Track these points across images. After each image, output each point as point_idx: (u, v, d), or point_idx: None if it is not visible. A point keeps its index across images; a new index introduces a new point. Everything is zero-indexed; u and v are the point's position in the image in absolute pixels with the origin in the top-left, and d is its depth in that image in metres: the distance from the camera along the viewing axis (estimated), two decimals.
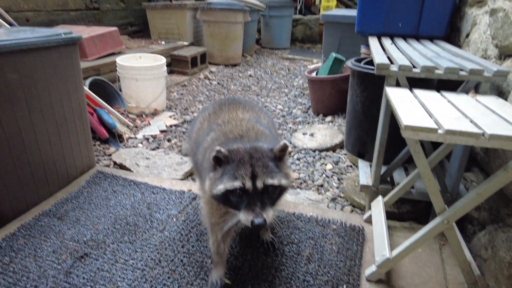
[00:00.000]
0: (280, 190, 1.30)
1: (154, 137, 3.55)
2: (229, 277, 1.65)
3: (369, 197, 2.16)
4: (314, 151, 3.27)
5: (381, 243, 1.70)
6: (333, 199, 2.59)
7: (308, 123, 3.91)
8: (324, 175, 2.91)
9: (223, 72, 5.97)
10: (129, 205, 2.18)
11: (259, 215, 1.20)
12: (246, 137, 1.42)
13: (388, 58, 1.95)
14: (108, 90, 4.03)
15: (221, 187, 1.26)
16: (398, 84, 1.84)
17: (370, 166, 2.32)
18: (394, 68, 1.78)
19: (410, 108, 1.42)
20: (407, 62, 1.80)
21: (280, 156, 1.33)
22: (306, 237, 1.90)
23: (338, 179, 2.85)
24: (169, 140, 3.50)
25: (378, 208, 1.97)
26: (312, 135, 3.51)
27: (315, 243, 1.86)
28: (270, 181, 1.24)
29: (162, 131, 3.68)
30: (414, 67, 1.77)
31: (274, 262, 1.74)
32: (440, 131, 1.20)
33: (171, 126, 3.81)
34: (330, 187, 2.75)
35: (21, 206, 2.11)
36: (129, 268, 1.70)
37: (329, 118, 3.94)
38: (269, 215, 1.23)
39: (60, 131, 2.28)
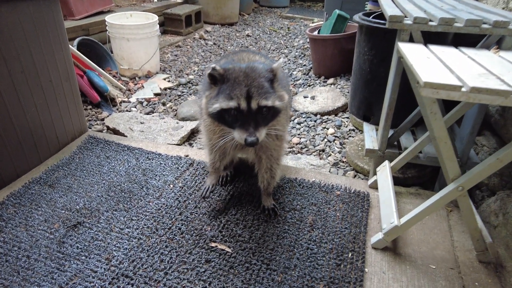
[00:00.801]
0: (273, 111, 1.36)
1: (148, 100, 3.40)
2: (229, 245, 1.58)
3: (374, 162, 2.07)
4: (315, 114, 3.14)
5: (388, 210, 1.63)
6: (335, 164, 2.51)
7: (309, 85, 3.75)
8: (325, 140, 2.80)
9: (219, 31, 5.69)
10: (123, 171, 2.08)
11: (252, 134, 1.27)
12: (242, 61, 1.48)
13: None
14: (98, 52, 3.82)
15: (216, 106, 1.31)
16: (411, 40, 1.68)
17: (376, 129, 2.21)
18: (408, 21, 1.62)
19: (428, 64, 1.28)
20: (422, 14, 1.63)
21: (274, 77, 1.37)
22: (308, 203, 1.83)
23: (340, 144, 2.75)
24: (164, 104, 3.36)
25: (384, 173, 1.88)
26: (313, 98, 3.36)
27: (318, 210, 1.79)
28: (264, 102, 1.29)
29: (156, 95, 3.52)
30: (430, 20, 1.60)
31: (276, 229, 1.67)
32: (464, 89, 1.07)
33: (165, 89, 3.65)
34: (332, 152, 2.65)
35: (10, 173, 2.00)
36: (124, 237, 1.63)
37: (331, 80, 3.77)
38: (262, 134, 1.32)
39: (46, 94, 2.13)
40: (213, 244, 1.58)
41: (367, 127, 2.23)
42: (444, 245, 1.64)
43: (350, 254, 1.56)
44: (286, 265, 1.49)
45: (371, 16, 2.15)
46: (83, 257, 1.53)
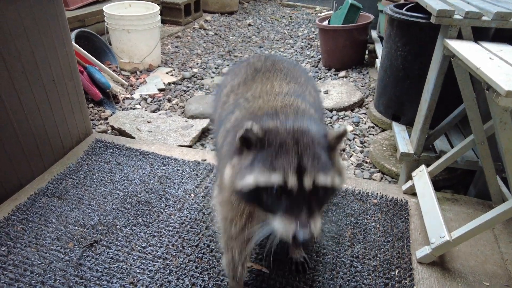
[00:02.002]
0: (331, 192, 0.95)
1: (152, 96, 3.21)
2: (266, 265, 1.44)
3: (407, 165, 1.94)
4: (330, 111, 2.99)
5: (435, 222, 1.51)
6: (359, 165, 2.38)
7: (320, 78, 3.59)
8: (345, 138, 2.66)
9: (220, 21, 5.46)
10: (138, 179, 1.91)
11: (306, 226, 0.84)
12: (281, 113, 1.03)
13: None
14: (96, 44, 3.58)
15: (249, 181, 0.89)
16: (459, 36, 1.53)
17: (407, 130, 2.08)
18: (458, 15, 1.47)
19: (497, 68, 1.14)
20: (473, 8, 1.48)
21: (334, 145, 0.96)
22: (345, 214, 1.69)
23: (361, 142, 2.62)
24: (169, 100, 3.17)
25: (423, 179, 1.76)
26: (326, 92, 3.21)
27: (356, 221, 1.66)
28: (323, 180, 0.88)
29: (160, 90, 3.32)
30: (482, 15, 1.46)
31: (314, 245, 1.54)
32: None
33: (169, 84, 3.45)
34: (353, 152, 2.52)
35: (13, 183, 1.82)
36: (148, 256, 1.48)
37: (342, 73, 3.62)
38: (318, 225, 0.88)
39: (49, 95, 1.94)
40: (248, 264, 1.44)
41: (397, 127, 2.09)
42: (493, 258, 1.53)
43: (396, 271, 1.44)
44: (330, 286, 1.36)
45: (404, 9, 1.99)
46: (105, 282, 1.37)
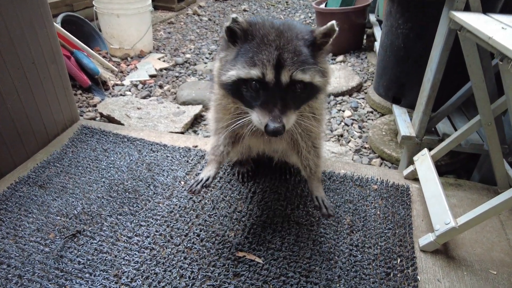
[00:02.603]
0: (310, 90, 0.99)
1: (143, 83, 3.09)
2: (259, 255, 1.36)
3: (408, 149, 1.85)
4: (328, 95, 2.89)
5: (439, 208, 1.42)
6: (357, 151, 2.28)
7: None
8: (343, 123, 2.57)
9: (214, 6, 5.31)
10: (125, 166, 1.81)
11: (277, 118, 0.91)
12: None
13: None
14: (85, 30, 3.45)
15: (232, 74, 0.96)
16: (466, 8, 1.42)
17: (408, 113, 1.98)
18: None
19: None
20: None
21: (321, 43, 0.99)
22: (343, 201, 1.60)
23: (360, 128, 2.52)
24: (161, 87, 3.05)
25: (425, 163, 1.66)
26: None
27: (355, 208, 1.56)
28: (300, 76, 0.92)
29: (151, 76, 3.20)
30: None
31: (311, 233, 1.45)
32: None
33: (161, 70, 3.33)
34: (352, 137, 2.42)
35: None
36: (134, 247, 1.39)
37: (340, 58, 3.50)
38: (290, 120, 0.96)
39: (29, 78, 1.82)
40: (240, 254, 1.35)
41: (398, 110, 1.99)
42: (500, 245, 1.44)
43: (398, 260, 1.35)
44: (328, 276, 1.28)
45: None
46: (87, 275, 1.28)
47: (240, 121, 1.06)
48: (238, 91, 0.99)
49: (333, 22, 0.96)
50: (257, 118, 0.95)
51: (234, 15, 0.95)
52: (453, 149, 1.72)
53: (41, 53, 1.88)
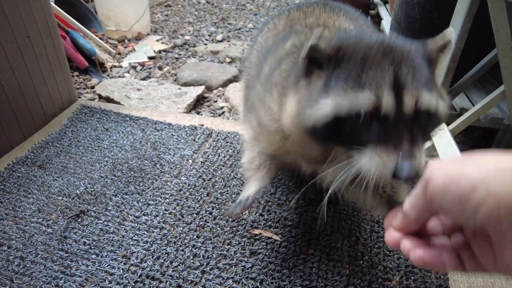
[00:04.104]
0: (436, 122, 0.71)
1: (142, 64, 2.98)
2: (276, 232, 1.28)
3: None
4: None
5: None
6: None
7: None
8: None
9: None
10: (129, 145, 1.72)
11: (411, 157, 0.60)
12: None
13: None
14: (80, 11, 3.31)
15: (326, 107, 0.64)
16: None
17: None
18: None
19: None
20: None
21: (436, 58, 0.74)
22: None
23: None
24: (160, 68, 2.95)
25: (444, 138, 1.59)
26: None
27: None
28: (427, 100, 0.63)
29: (150, 58, 3.09)
30: None
31: (329, 209, 1.37)
32: None
33: (160, 51, 3.22)
34: None
35: None
36: (142, 227, 1.31)
37: None
38: (423, 157, 0.64)
39: (24, 53, 1.71)
40: (256, 232, 1.28)
41: None
42: None
43: None
44: (350, 253, 1.21)
45: None
46: (94, 256, 1.20)
47: (344, 176, 0.69)
48: (335, 132, 0.67)
49: (451, 29, 0.73)
50: (374, 160, 0.63)
51: (318, 33, 0.66)
52: (471, 124, 1.65)
53: (36, 27, 1.77)
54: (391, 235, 0.57)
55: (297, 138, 0.80)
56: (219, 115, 2.35)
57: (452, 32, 0.74)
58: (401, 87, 0.63)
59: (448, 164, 0.45)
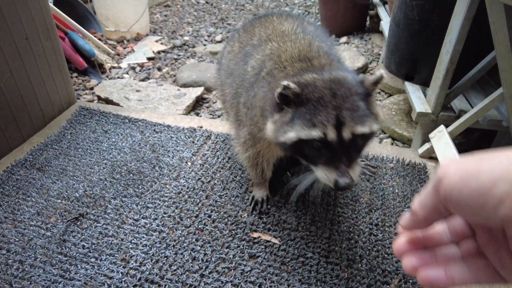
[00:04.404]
0: (369, 138, 0.99)
1: (141, 65, 2.98)
2: (275, 235, 1.28)
3: (423, 127, 1.78)
4: None
5: None
6: None
7: None
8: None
9: None
10: (128, 148, 1.72)
11: (345, 174, 0.90)
12: (316, 59, 1.06)
13: None
14: (79, 11, 3.30)
15: (291, 136, 0.95)
16: None
17: (422, 90, 1.90)
18: None
19: None
20: None
21: (371, 91, 0.98)
22: (359, 179, 1.53)
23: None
24: (159, 69, 2.95)
25: (443, 140, 1.59)
26: None
27: (373, 186, 1.50)
28: (360, 130, 0.91)
29: (149, 59, 3.09)
30: None
31: (328, 212, 1.38)
32: None
33: (159, 52, 3.22)
34: None
35: None
36: (141, 230, 1.31)
37: (344, 39, 3.41)
38: (356, 172, 0.93)
39: (22, 55, 1.71)
40: (255, 235, 1.28)
41: (411, 87, 1.91)
42: None
43: None
44: (349, 256, 1.21)
45: None
46: (93, 259, 1.20)
47: (306, 181, 1.06)
48: (299, 150, 0.98)
49: (382, 72, 0.97)
50: (323, 175, 0.94)
51: (285, 82, 0.91)
52: (470, 126, 1.65)
53: (35, 29, 1.77)
54: (399, 244, 0.56)
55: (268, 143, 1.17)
56: (218, 117, 2.35)
57: (382, 74, 0.96)
58: (341, 124, 0.90)
59: (463, 161, 0.43)
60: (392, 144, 2.07)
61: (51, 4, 2.68)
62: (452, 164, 0.44)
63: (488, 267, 0.48)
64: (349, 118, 0.90)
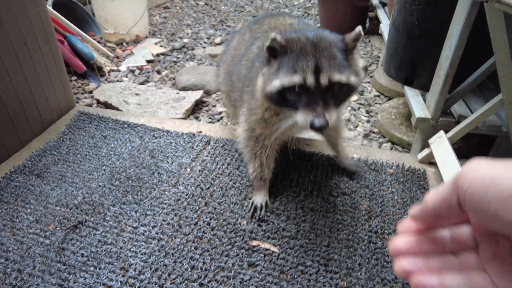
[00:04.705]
0: (347, 90, 1.07)
1: (140, 68, 2.97)
2: (274, 243, 1.28)
3: (422, 132, 1.77)
4: None
5: None
6: (366, 135, 2.21)
7: None
8: (349, 108, 2.49)
9: None
10: (127, 153, 1.72)
11: (321, 115, 0.99)
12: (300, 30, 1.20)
13: None
14: (77, 14, 3.30)
15: (276, 83, 1.05)
16: None
17: (421, 94, 1.90)
18: None
19: None
20: None
21: (352, 47, 1.07)
22: (359, 186, 1.53)
23: (367, 112, 2.44)
24: (158, 72, 2.94)
25: (443, 146, 1.59)
26: None
27: (372, 193, 1.49)
28: (337, 77, 1.01)
29: (148, 61, 3.08)
30: None
31: (327, 219, 1.37)
32: None
33: (158, 55, 3.21)
34: (360, 122, 2.35)
35: None
36: (140, 238, 1.31)
37: None
38: (333, 116, 1.02)
39: (21, 61, 1.71)
40: (254, 243, 1.28)
41: (410, 92, 1.91)
42: None
43: None
44: (348, 265, 1.21)
45: None
46: (92, 268, 1.20)
47: (284, 125, 1.15)
48: (282, 99, 1.07)
49: (360, 27, 1.06)
50: (301, 117, 1.03)
51: (273, 35, 1.02)
52: (470, 132, 1.65)
53: (33, 34, 1.76)
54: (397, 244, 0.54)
55: (266, 104, 1.20)
56: (218, 121, 2.34)
57: (360, 30, 1.05)
58: (319, 71, 1.00)
59: (491, 163, 0.42)
60: (391, 148, 2.07)
61: (50, 8, 2.67)
62: (484, 162, 0.42)
63: (486, 280, 0.47)
64: (327, 66, 1.00)
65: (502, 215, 0.39)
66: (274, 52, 1.06)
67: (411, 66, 1.89)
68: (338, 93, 1.04)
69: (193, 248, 1.26)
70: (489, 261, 0.47)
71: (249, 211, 1.39)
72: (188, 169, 1.63)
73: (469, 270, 0.49)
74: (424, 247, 0.52)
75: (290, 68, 1.02)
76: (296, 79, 1.00)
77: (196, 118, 2.39)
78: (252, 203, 1.41)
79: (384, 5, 3.44)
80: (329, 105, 1.02)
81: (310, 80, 1.00)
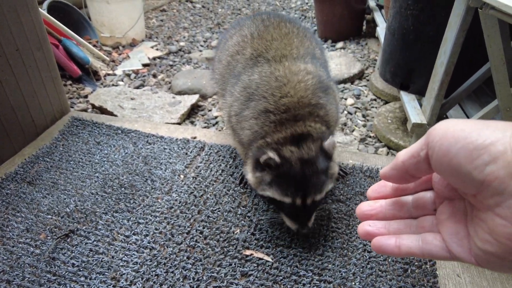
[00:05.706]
0: (324, 197, 1.26)
1: (136, 72, 2.96)
2: (268, 252, 1.27)
3: (418, 138, 1.76)
4: None
5: None
6: (363, 140, 2.20)
7: None
8: (345, 112, 2.48)
9: None
10: (120, 160, 1.70)
11: (305, 226, 1.22)
12: (298, 109, 1.24)
13: None
14: (73, 17, 3.29)
15: (268, 194, 1.22)
16: None
17: (417, 99, 1.89)
18: None
19: None
20: None
21: (331, 154, 1.22)
22: (354, 193, 1.51)
23: (363, 116, 2.43)
24: (154, 76, 2.93)
25: None
26: None
27: (367, 200, 1.48)
28: (319, 197, 1.20)
29: (144, 65, 3.07)
30: None
31: (321, 228, 1.36)
32: None
33: (154, 58, 3.20)
34: (356, 126, 2.34)
35: None
36: (132, 247, 1.29)
37: (340, 44, 3.40)
38: (312, 219, 1.25)
39: (13, 66, 1.69)
40: (247, 252, 1.26)
41: (406, 96, 1.90)
42: None
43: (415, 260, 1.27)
44: (342, 274, 1.19)
45: None
46: (82, 278, 1.18)
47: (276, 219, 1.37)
48: (272, 201, 1.25)
49: (334, 139, 1.21)
50: (289, 223, 1.25)
51: (271, 155, 1.15)
52: None
53: (26, 40, 1.75)
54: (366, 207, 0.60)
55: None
56: (213, 125, 2.33)
57: (335, 142, 1.22)
58: (306, 196, 1.18)
59: (463, 120, 0.44)
60: (387, 153, 2.05)
61: (44, 12, 2.66)
62: (456, 120, 0.44)
63: (436, 239, 0.50)
64: (313, 192, 1.17)
65: (465, 167, 0.41)
66: (269, 167, 1.19)
67: (406, 71, 1.88)
68: (318, 203, 1.23)
69: (185, 257, 1.25)
70: (443, 222, 0.51)
71: (239, 179, 1.57)
72: (182, 176, 1.61)
73: (424, 231, 0.53)
74: (388, 212, 0.58)
75: (283, 190, 1.17)
76: (287, 200, 1.18)
77: (192, 122, 2.38)
78: (242, 173, 1.55)
79: (381, 8, 3.43)
80: (311, 215, 1.23)
81: (298, 202, 1.18)
